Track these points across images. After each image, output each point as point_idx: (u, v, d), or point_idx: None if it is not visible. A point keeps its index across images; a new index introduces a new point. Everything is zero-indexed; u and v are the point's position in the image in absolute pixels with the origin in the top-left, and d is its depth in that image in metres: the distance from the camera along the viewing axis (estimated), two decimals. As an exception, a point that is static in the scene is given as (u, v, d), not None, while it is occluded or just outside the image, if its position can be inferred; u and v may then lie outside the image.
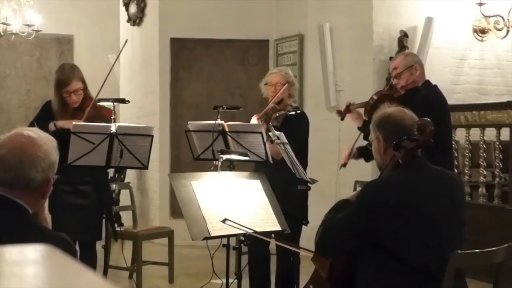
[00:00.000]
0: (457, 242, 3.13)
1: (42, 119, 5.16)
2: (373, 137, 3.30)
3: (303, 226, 5.15)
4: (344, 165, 5.09)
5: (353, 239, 3.09)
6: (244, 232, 4.03)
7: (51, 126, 5.10)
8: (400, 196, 3.04)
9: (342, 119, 5.21)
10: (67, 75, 5.20)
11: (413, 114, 3.25)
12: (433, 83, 5.01)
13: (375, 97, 4.94)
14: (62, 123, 5.10)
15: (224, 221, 3.93)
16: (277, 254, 5.43)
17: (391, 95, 4.87)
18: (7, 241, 1.78)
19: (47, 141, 2.35)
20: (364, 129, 4.85)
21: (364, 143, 4.96)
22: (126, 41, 5.14)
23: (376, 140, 3.26)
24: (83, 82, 5.25)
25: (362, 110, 5.08)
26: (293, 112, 5.26)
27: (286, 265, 5.28)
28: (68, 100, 5.21)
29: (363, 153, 4.98)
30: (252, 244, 4.32)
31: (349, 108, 5.10)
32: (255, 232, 4.02)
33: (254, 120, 5.36)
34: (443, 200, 3.13)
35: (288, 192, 4.85)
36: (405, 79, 4.87)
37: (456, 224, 3.16)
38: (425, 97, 4.70)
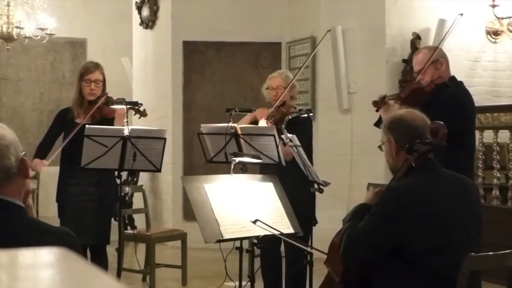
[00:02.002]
0: (475, 245, 3.12)
1: (51, 135, 5.39)
2: (384, 139, 3.29)
3: (315, 229, 5.15)
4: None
5: (379, 248, 3.08)
6: (270, 233, 4.04)
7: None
8: (419, 201, 3.03)
9: (377, 110, 4.81)
10: (90, 65, 5.43)
11: (424, 116, 3.24)
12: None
13: (407, 91, 4.69)
14: (35, 164, 5.16)
15: (255, 222, 3.94)
16: (286, 256, 5.43)
17: (422, 87, 4.62)
18: (11, 242, 1.78)
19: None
20: None
21: (379, 158, 4.90)
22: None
23: (387, 142, 3.26)
24: (104, 78, 5.40)
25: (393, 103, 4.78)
26: (306, 115, 5.28)
27: (295, 267, 5.28)
28: (86, 90, 5.31)
29: None
30: (263, 247, 4.33)
31: (384, 100, 4.73)
32: (290, 236, 4.03)
33: (262, 123, 5.36)
34: (459, 203, 3.12)
35: (298, 193, 4.84)
36: (430, 75, 4.63)
37: (473, 227, 3.15)
38: (456, 95, 4.50)
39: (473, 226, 3.16)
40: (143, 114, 5.27)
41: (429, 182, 3.12)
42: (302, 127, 5.26)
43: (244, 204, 4.11)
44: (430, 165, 3.17)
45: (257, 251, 4.45)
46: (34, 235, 2.24)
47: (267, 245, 4.38)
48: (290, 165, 4.98)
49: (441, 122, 3.15)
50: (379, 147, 3.39)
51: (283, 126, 4.97)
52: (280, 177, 4.57)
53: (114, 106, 5.21)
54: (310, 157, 5.25)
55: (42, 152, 5.28)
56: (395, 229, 3.02)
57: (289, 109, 5.42)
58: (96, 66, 5.39)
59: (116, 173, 5.08)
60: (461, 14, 5.03)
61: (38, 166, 5.15)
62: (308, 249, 4.61)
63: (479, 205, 3.33)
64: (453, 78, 4.73)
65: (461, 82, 4.75)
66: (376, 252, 3.09)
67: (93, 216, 5.20)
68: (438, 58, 4.67)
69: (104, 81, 5.39)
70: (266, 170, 5.03)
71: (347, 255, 3.15)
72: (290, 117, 5.14)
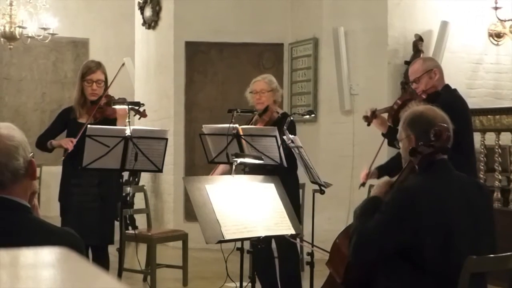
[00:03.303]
0: (482, 247, 3.10)
1: (52, 132, 5.39)
2: (402, 136, 3.25)
3: (315, 230, 5.16)
4: (363, 184, 5.02)
5: (388, 248, 3.08)
6: (271, 235, 4.04)
7: (48, 144, 5.26)
8: (429, 203, 3.02)
9: (369, 124, 5.07)
10: (92, 65, 5.41)
11: (444, 114, 3.21)
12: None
13: (399, 102, 4.87)
14: (56, 143, 5.23)
15: (295, 237, 3.96)
16: (278, 254, 5.43)
17: (414, 100, 4.71)
18: (16, 242, 1.79)
19: (8, 128, 2.36)
20: (388, 135, 4.80)
21: (383, 160, 4.95)
22: (123, 64, 5.29)
23: (406, 139, 3.22)
24: (106, 78, 5.40)
25: (386, 115, 4.99)
26: (308, 116, 5.30)
27: (289, 264, 5.30)
28: (88, 91, 5.30)
29: (384, 172, 4.91)
30: (254, 249, 4.33)
31: (375, 114, 4.99)
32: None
33: None
34: (469, 206, 3.11)
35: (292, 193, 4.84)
36: (424, 84, 4.81)
37: (483, 230, 3.14)
38: (448, 101, 4.55)
39: (483, 229, 3.15)
40: (142, 114, 5.26)
41: (439, 184, 3.11)
42: (289, 129, 5.26)
43: (246, 205, 4.11)
44: (442, 166, 3.16)
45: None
46: (38, 235, 2.24)
47: (257, 248, 4.38)
48: (276, 166, 4.99)
49: (445, 125, 3.14)
50: (396, 142, 3.37)
51: (284, 127, 4.97)
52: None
53: (116, 106, 5.20)
54: (293, 160, 5.20)
55: (42, 145, 5.30)
56: (404, 229, 3.01)
57: (271, 114, 5.44)
58: (98, 66, 5.38)
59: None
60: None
61: (69, 144, 5.09)
62: (304, 246, 4.61)
63: (490, 208, 3.31)
64: (447, 86, 4.89)
65: (455, 90, 4.91)
66: (386, 252, 3.09)
67: (96, 217, 5.19)
68: (432, 68, 4.84)
69: (106, 80, 5.38)
70: (254, 171, 5.00)
71: (357, 254, 3.14)
72: (291, 118, 5.15)
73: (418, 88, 4.83)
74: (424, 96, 4.76)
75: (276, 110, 5.55)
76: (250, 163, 4.80)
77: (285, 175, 4.85)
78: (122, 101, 5.15)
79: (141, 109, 5.23)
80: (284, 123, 5.05)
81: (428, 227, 3.00)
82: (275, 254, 5.54)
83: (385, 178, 3.50)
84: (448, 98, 4.68)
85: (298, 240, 4.52)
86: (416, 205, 3.01)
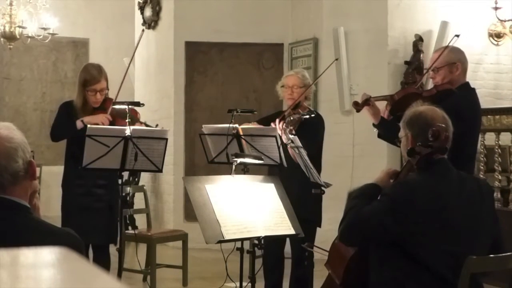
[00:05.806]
0: (480, 247, 3.11)
1: (65, 119, 5.26)
2: (402, 134, 3.28)
3: (319, 230, 5.16)
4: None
5: (379, 235, 3.09)
6: (258, 236, 4.04)
7: (79, 124, 5.15)
8: (427, 199, 3.04)
9: (358, 111, 4.55)
10: (95, 73, 5.25)
11: (444, 114, 3.21)
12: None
13: (401, 93, 4.47)
14: (89, 119, 5.15)
15: (307, 245, 3.97)
16: (292, 257, 5.42)
17: (420, 94, 4.36)
18: (15, 242, 1.79)
19: (8, 128, 2.36)
20: (379, 127, 4.45)
21: (382, 160, 4.89)
22: (143, 30, 5.19)
23: (405, 137, 3.25)
24: (107, 82, 5.31)
25: (381, 105, 4.53)
26: (308, 116, 5.25)
27: (300, 269, 5.28)
28: (91, 99, 5.23)
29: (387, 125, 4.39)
30: (267, 247, 4.33)
31: (368, 101, 4.44)
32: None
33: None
34: (468, 204, 3.12)
35: (302, 195, 4.84)
36: (442, 76, 4.38)
37: (483, 230, 3.14)
38: (456, 104, 4.13)
39: (484, 228, 3.15)
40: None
41: (439, 183, 3.11)
42: (315, 128, 5.23)
43: (245, 205, 4.11)
44: (441, 166, 3.17)
45: (258, 252, 4.45)
46: (38, 235, 2.25)
47: (270, 245, 4.38)
48: (297, 167, 4.96)
49: (443, 125, 3.15)
50: (397, 140, 3.38)
51: (284, 127, 4.96)
52: (286, 178, 4.56)
53: (116, 106, 5.20)
54: (319, 158, 5.24)
55: (58, 136, 5.29)
56: (399, 222, 3.01)
57: (304, 111, 5.33)
58: (100, 73, 5.25)
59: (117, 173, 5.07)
60: (457, 36, 4.71)
61: (107, 122, 5.07)
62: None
63: (492, 207, 3.32)
64: (465, 84, 4.50)
65: (473, 90, 4.53)
66: (374, 239, 3.12)
67: (103, 217, 5.19)
68: (455, 61, 4.42)
69: (107, 84, 5.32)
70: (274, 171, 5.04)
71: (347, 232, 3.18)
72: (292, 118, 5.12)
73: (435, 79, 4.44)
74: (434, 92, 4.34)
75: (308, 106, 5.52)
76: (251, 163, 4.80)
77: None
78: (122, 102, 5.14)
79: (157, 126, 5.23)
80: (310, 121, 5.03)
81: (423, 223, 3.01)
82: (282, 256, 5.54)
83: (388, 169, 3.50)
84: (457, 101, 4.21)
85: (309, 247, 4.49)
86: (414, 201, 3.02)
